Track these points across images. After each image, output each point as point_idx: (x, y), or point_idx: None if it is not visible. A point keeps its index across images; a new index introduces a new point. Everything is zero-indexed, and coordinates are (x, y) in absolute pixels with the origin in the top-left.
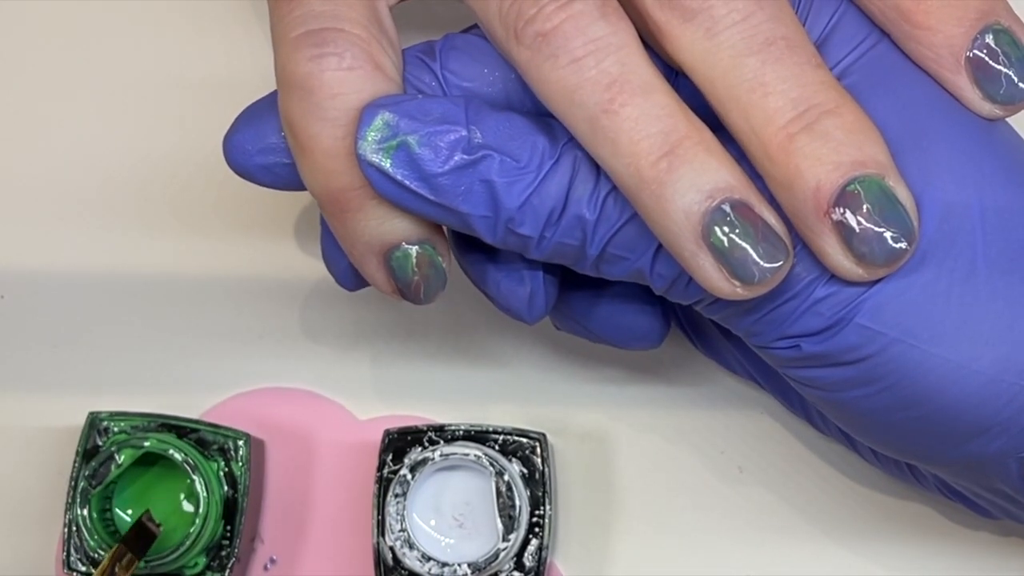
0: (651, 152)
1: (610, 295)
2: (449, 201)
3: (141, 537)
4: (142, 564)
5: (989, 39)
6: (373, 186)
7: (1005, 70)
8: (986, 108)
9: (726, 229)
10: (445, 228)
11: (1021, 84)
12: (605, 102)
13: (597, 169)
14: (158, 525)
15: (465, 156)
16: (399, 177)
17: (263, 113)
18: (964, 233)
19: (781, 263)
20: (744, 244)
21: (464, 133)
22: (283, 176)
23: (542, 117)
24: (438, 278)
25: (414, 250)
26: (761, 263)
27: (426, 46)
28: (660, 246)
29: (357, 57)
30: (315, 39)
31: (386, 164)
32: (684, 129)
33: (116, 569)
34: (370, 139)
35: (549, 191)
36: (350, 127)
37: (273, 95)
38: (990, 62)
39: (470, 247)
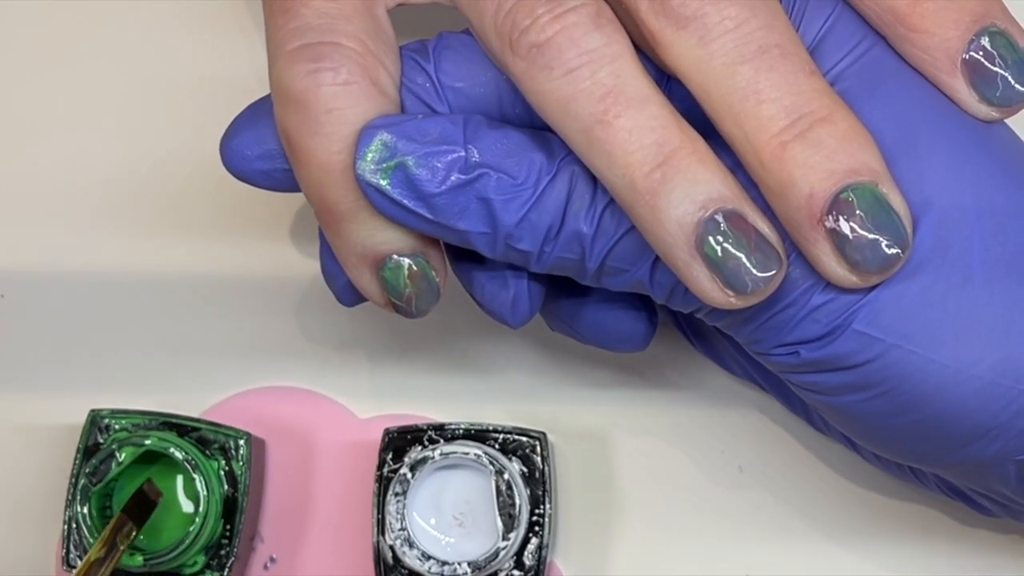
0: (645, 163)
1: (595, 299)
2: (447, 219)
3: (141, 505)
4: (141, 560)
5: (985, 41)
6: (372, 205)
7: (1001, 72)
8: (983, 110)
9: (719, 239)
10: None
11: (1017, 86)
12: (600, 113)
13: (594, 183)
14: (159, 493)
15: (462, 176)
16: (397, 197)
17: (261, 117)
18: (960, 237)
19: (774, 272)
20: (737, 254)
21: (461, 153)
22: (282, 181)
23: (540, 132)
24: (430, 291)
25: (407, 262)
26: (754, 272)
27: (419, 45)
28: (658, 257)
29: (353, 72)
30: (311, 53)
31: (384, 184)
32: (678, 140)
33: (117, 538)
34: (368, 159)
35: (546, 207)
36: (345, 141)
37: (269, 98)
38: (986, 64)
39: (458, 251)
